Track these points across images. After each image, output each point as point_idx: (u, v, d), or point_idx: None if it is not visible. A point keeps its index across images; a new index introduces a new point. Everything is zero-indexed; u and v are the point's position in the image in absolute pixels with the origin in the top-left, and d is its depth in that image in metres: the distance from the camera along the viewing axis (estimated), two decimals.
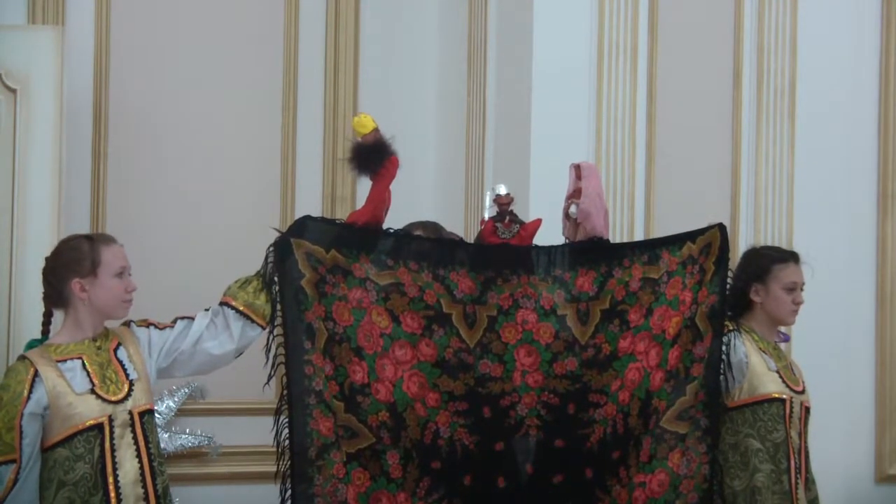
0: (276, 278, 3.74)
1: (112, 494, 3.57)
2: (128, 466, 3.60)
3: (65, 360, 3.61)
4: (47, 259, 3.72)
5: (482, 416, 3.80)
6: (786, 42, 5.48)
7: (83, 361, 3.62)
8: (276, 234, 3.77)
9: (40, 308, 4.66)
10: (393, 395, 3.75)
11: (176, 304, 3.90)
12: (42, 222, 4.76)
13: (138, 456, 3.63)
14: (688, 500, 4.01)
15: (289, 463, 3.72)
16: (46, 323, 3.76)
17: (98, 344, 3.67)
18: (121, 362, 3.66)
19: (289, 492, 3.74)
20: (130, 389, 3.64)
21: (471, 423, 3.78)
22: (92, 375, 3.60)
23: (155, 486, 3.65)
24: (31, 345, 3.72)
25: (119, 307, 3.69)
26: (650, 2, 5.34)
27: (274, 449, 3.75)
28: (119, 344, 3.70)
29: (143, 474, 3.63)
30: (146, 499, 3.62)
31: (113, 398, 3.61)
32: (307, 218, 3.81)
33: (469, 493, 3.79)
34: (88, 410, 3.57)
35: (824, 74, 5.50)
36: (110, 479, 3.57)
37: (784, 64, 5.48)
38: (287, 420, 3.71)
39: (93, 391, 3.59)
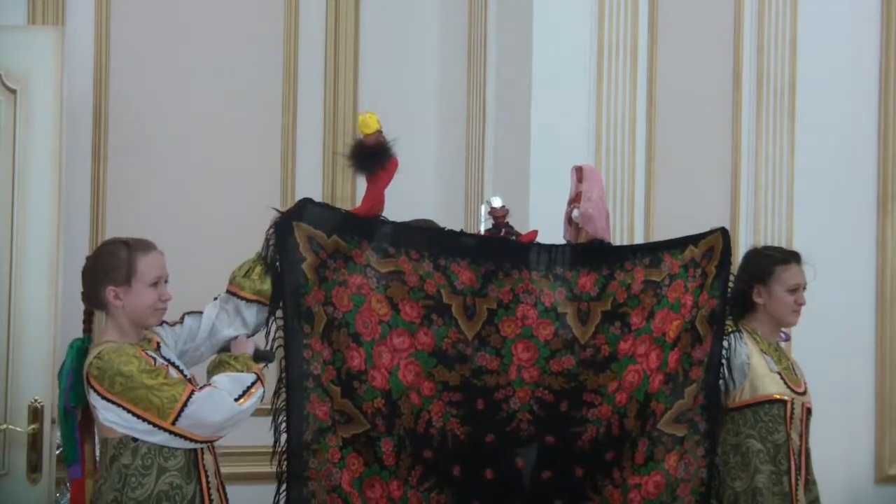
0: (277, 259, 3.74)
1: (203, 481, 3.64)
2: (208, 457, 3.69)
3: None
4: (87, 259, 3.75)
5: (475, 407, 3.82)
6: (786, 42, 5.48)
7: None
8: (276, 214, 3.79)
9: (40, 307, 4.68)
10: (388, 383, 3.76)
11: (175, 305, 3.89)
12: (42, 222, 4.75)
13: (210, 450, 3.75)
14: (685, 503, 4.02)
15: (284, 445, 3.75)
16: (88, 321, 3.78)
17: (151, 349, 3.70)
18: (171, 362, 3.70)
19: (284, 474, 3.76)
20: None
21: (463, 414, 3.80)
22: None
23: (220, 475, 3.74)
24: (76, 345, 3.71)
25: (151, 316, 3.70)
26: (650, 2, 5.33)
27: (274, 449, 3.77)
28: (158, 344, 3.74)
29: (216, 463, 3.75)
30: (218, 489, 3.72)
31: None
32: (307, 201, 3.82)
33: (458, 484, 3.81)
34: None
35: (824, 74, 5.50)
36: (201, 469, 3.65)
37: (784, 64, 5.47)
38: (284, 402, 3.74)
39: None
